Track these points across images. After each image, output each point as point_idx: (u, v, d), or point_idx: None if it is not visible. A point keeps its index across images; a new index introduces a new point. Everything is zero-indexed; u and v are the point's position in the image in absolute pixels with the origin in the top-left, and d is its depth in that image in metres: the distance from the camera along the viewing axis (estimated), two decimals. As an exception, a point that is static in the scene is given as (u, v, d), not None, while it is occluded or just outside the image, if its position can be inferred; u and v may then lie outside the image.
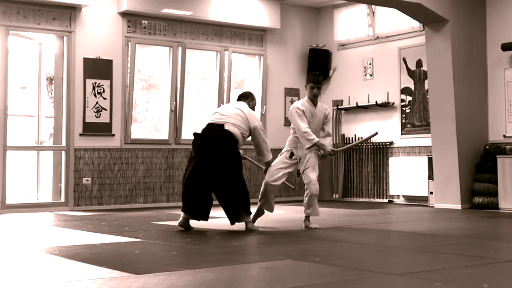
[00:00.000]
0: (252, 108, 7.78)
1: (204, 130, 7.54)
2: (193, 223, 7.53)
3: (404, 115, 12.10)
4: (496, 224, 8.29)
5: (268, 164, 7.77)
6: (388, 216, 9.38)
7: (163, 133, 11.90)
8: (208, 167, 7.31)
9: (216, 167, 7.30)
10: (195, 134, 7.59)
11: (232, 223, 7.42)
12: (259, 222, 7.80)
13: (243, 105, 7.68)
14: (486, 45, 11.09)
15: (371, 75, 12.79)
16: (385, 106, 12.36)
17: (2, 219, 9.15)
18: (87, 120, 10.91)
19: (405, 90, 12.09)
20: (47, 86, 11.55)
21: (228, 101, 12.37)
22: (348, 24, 13.12)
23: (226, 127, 7.35)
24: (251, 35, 12.81)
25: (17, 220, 8.93)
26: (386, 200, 12.27)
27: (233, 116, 7.45)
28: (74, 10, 10.89)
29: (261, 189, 7.72)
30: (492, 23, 11.05)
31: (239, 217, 7.40)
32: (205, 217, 7.47)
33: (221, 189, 7.36)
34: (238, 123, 7.41)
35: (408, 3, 10.26)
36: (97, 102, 10.99)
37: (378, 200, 12.43)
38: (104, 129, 11.07)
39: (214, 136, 7.37)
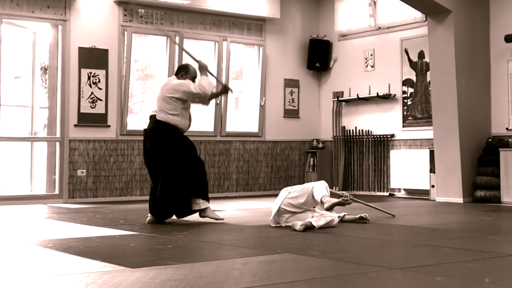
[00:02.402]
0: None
1: (148, 124, 7.72)
2: (192, 216, 7.55)
3: (405, 107, 12.09)
4: (498, 218, 8.29)
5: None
6: (388, 210, 9.37)
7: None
8: (150, 163, 7.51)
9: (155, 161, 7.44)
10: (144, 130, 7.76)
11: (180, 216, 7.48)
12: (253, 215, 7.76)
13: (168, 81, 7.71)
14: (489, 37, 11.07)
15: (372, 67, 12.77)
16: (387, 98, 12.35)
17: (-5, 211, 9.15)
18: (82, 111, 10.90)
19: (406, 82, 12.08)
20: (41, 76, 11.53)
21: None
22: (349, 14, 13.10)
23: (158, 117, 7.43)
24: (250, 25, 12.78)
25: (10, 212, 8.92)
26: (387, 193, 12.28)
27: (159, 101, 7.49)
28: (69, -2, 10.87)
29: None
30: (496, 14, 11.03)
31: (189, 206, 7.43)
32: (160, 218, 7.52)
33: (163, 182, 7.40)
34: (166, 106, 7.44)
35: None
36: (92, 93, 10.97)
37: (378, 193, 12.44)
38: (100, 120, 11.05)
39: (150, 129, 7.52)
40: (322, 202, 6.80)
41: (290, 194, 7.07)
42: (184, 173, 7.37)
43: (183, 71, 7.74)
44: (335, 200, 6.79)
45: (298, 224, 6.66)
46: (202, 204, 7.44)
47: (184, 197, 7.38)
